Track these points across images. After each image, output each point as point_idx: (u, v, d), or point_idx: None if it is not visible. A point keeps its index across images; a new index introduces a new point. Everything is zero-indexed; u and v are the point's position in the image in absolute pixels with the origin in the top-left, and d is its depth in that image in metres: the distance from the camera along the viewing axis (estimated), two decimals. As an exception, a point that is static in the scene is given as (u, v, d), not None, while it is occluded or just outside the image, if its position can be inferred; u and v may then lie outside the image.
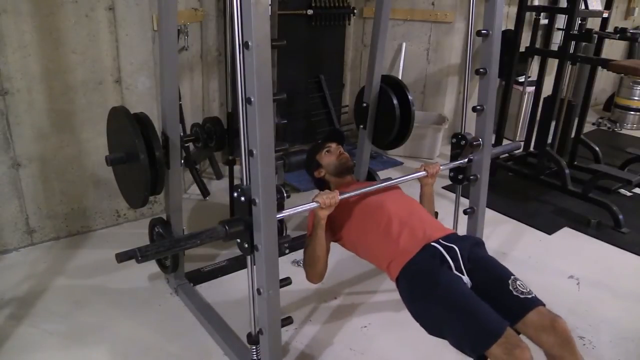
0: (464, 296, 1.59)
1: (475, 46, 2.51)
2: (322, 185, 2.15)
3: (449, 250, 1.70)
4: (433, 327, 1.64)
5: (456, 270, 1.67)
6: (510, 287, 1.62)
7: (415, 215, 1.86)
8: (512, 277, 1.66)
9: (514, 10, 3.77)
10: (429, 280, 1.64)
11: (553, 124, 3.63)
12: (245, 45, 1.33)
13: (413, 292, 1.69)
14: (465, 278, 1.67)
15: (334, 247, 2.50)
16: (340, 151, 2.13)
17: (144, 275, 2.41)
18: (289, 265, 2.48)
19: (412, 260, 1.70)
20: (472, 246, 1.77)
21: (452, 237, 1.78)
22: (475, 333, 1.48)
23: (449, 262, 1.68)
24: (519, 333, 1.55)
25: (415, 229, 1.77)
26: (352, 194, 1.85)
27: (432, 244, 1.72)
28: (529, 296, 1.61)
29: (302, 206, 1.71)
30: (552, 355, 1.55)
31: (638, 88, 5.20)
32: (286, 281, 1.62)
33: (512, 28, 3.72)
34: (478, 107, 2.04)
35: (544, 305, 1.61)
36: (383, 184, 1.99)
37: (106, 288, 2.33)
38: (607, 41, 3.74)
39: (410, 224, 1.79)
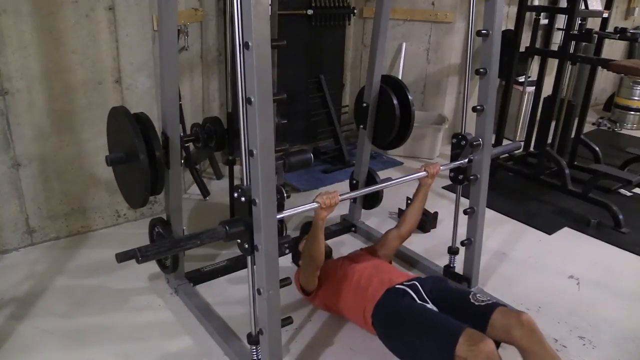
0: (425, 315, 1.77)
1: (475, 46, 2.51)
2: None
3: (411, 287, 1.90)
4: (411, 357, 1.78)
5: (419, 300, 1.84)
6: (472, 300, 1.79)
7: (381, 268, 2.06)
8: (472, 292, 1.85)
9: (514, 10, 3.77)
10: (395, 311, 1.83)
11: (553, 124, 3.63)
12: (245, 45, 1.33)
13: (384, 328, 1.86)
14: (430, 305, 1.83)
15: (335, 247, 2.51)
16: None
17: (144, 275, 2.41)
18: (289, 265, 2.48)
19: (379, 301, 1.88)
20: (434, 282, 1.96)
21: (414, 279, 1.96)
22: (439, 341, 1.63)
23: (411, 294, 1.86)
24: (498, 344, 1.66)
25: (383, 278, 1.97)
26: (352, 194, 1.86)
27: (396, 286, 1.91)
28: (490, 302, 1.77)
29: (302, 206, 1.72)
30: (523, 348, 1.65)
31: (638, 88, 5.20)
32: (286, 281, 1.63)
33: (512, 28, 3.72)
34: (478, 107, 2.05)
35: (505, 306, 1.78)
36: (374, 187, 2.00)
37: (106, 288, 2.33)
38: (607, 41, 3.74)
39: (378, 276, 1.99)
